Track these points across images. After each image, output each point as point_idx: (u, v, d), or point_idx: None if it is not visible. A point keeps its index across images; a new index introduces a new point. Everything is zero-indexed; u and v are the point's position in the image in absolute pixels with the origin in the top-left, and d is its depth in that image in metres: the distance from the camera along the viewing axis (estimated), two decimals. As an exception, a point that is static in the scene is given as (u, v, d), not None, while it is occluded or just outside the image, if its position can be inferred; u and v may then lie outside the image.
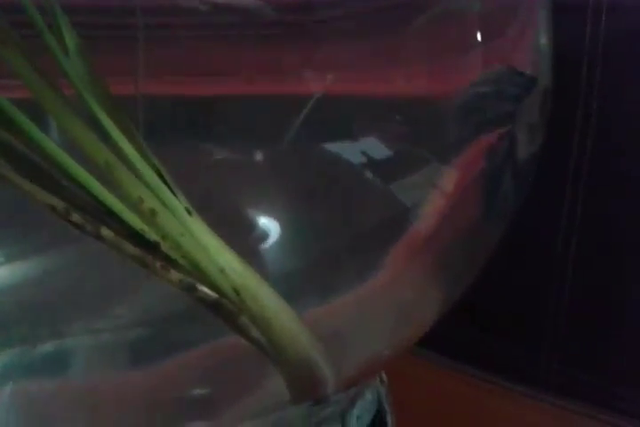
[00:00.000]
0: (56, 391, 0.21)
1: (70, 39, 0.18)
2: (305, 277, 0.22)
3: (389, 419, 0.30)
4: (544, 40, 0.26)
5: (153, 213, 0.19)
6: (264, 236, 0.21)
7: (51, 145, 0.19)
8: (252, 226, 0.21)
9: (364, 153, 0.21)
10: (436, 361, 0.42)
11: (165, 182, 0.19)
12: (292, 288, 0.21)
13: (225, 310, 0.20)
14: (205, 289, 0.20)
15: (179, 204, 0.19)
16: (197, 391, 0.22)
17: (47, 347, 0.21)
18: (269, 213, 0.22)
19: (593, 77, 0.35)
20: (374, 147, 0.22)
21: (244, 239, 0.21)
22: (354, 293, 0.23)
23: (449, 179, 0.23)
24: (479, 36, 0.23)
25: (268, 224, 0.21)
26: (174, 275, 0.20)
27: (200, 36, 0.20)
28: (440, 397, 0.40)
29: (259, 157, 0.21)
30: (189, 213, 0.19)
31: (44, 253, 0.20)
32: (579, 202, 0.37)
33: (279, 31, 0.20)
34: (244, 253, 0.20)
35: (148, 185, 0.19)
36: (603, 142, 0.36)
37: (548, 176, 0.37)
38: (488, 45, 0.23)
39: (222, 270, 0.20)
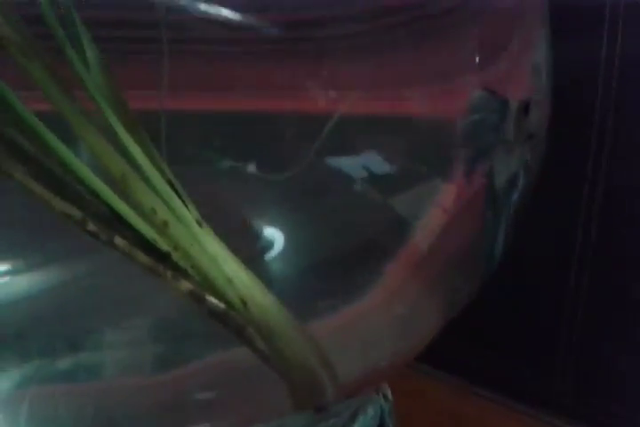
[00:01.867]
0: (68, 392, 0.22)
1: (91, 52, 0.19)
2: (306, 290, 0.23)
3: (392, 436, 0.30)
4: (540, 59, 0.27)
5: (165, 223, 0.20)
6: (267, 246, 0.22)
7: (69, 155, 0.19)
8: (255, 236, 0.22)
9: (365, 168, 0.22)
10: (447, 382, 0.43)
11: (177, 194, 0.20)
12: (295, 300, 0.22)
13: (232, 322, 0.21)
14: (214, 300, 0.21)
15: (189, 215, 0.20)
16: (202, 396, 0.23)
17: (65, 361, 0.21)
18: (272, 224, 0.22)
19: (608, 96, 0.36)
20: (375, 162, 0.22)
21: (248, 249, 0.22)
22: (352, 306, 0.23)
23: (448, 195, 0.24)
24: (477, 59, 0.24)
25: (271, 235, 0.22)
26: (184, 285, 0.21)
27: (213, 52, 0.21)
28: (450, 417, 0.40)
29: (265, 170, 0.21)
30: (199, 224, 0.20)
31: (61, 262, 0.21)
32: (593, 220, 0.37)
33: (287, 48, 0.21)
34: (248, 262, 0.21)
35: (161, 196, 0.20)
36: (618, 158, 0.36)
37: (564, 192, 0.37)
38: (485, 67, 0.24)
39: (230, 281, 0.21)
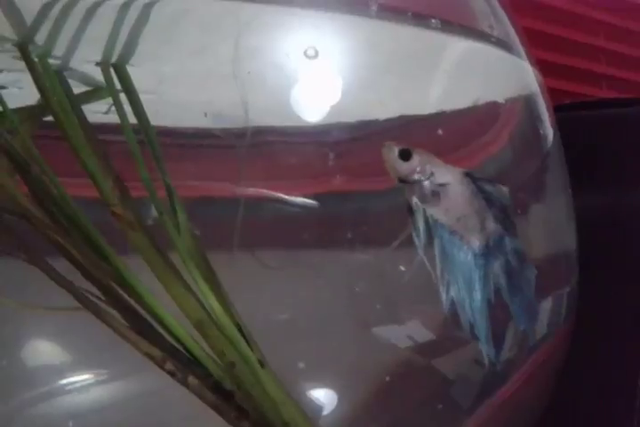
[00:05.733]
0: None
1: (181, 216, 0.23)
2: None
3: None
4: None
5: (232, 364, 0.23)
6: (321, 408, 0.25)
7: (157, 305, 0.23)
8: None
9: (409, 337, 0.25)
10: None
11: (244, 336, 0.23)
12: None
13: (286, 463, 0.23)
14: (271, 441, 0.23)
15: (253, 356, 0.23)
16: None
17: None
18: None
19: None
20: (418, 330, 0.25)
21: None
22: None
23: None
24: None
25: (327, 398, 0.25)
26: (245, 425, 0.23)
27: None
28: None
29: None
30: (262, 365, 0.23)
31: (140, 374, 0.24)
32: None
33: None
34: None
35: (230, 340, 0.23)
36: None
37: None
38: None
39: (286, 424, 0.23)
